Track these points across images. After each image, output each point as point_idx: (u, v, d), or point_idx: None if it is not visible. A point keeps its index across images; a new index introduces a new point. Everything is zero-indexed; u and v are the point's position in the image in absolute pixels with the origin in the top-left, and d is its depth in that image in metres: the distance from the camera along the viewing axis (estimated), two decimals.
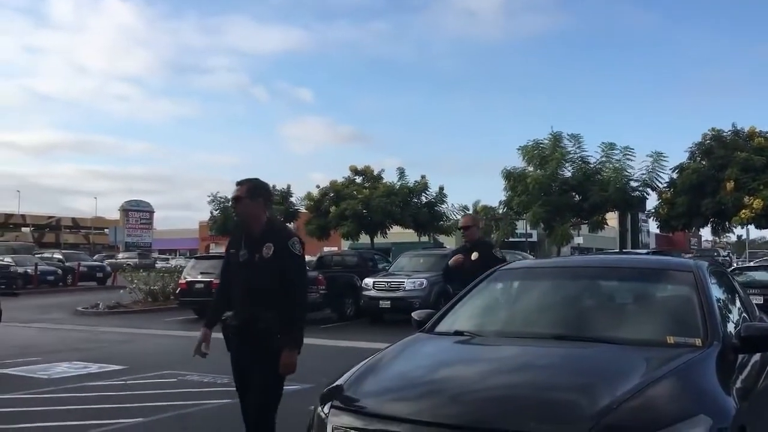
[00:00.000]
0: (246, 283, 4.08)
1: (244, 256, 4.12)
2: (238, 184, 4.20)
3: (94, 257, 41.32)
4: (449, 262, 7.10)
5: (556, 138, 22.54)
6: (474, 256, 6.77)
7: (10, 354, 10.71)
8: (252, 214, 4.13)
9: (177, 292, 18.55)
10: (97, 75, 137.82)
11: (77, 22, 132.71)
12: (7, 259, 30.17)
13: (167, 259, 49.42)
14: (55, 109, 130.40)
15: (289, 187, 33.55)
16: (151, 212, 73.90)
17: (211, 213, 33.95)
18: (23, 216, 71.19)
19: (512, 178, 23.02)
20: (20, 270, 28.57)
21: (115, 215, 71.83)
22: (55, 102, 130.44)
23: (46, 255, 36.29)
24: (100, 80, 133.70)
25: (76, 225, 75.61)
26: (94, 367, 9.49)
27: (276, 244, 4.05)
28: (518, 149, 23.08)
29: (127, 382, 8.35)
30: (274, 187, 33.71)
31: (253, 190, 4.16)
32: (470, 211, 29.41)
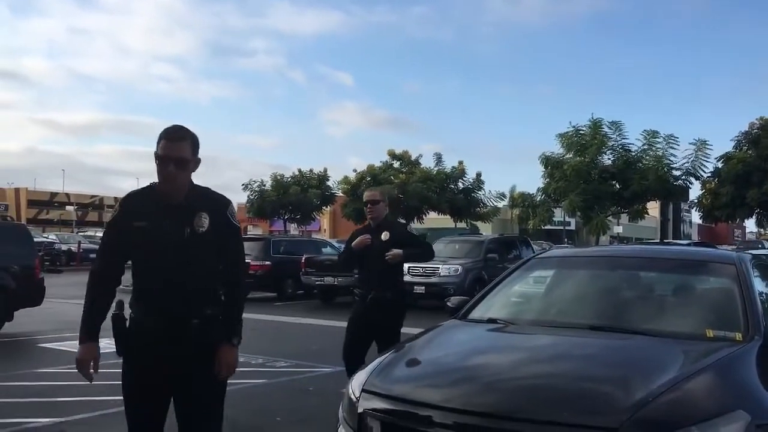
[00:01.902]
0: (172, 270, 2.96)
1: (169, 229, 2.96)
2: (175, 136, 2.99)
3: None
4: (352, 245, 5.75)
5: (597, 125, 22.16)
6: (384, 236, 5.54)
7: (52, 329, 11.02)
8: (187, 179, 3.04)
9: None
10: (140, 56, 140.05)
11: (121, 4, 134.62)
12: (52, 237, 30.96)
13: None
14: (98, 89, 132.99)
15: (326, 170, 33.72)
16: None
17: (249, 196, 34.28)
18: (67, 195, 72.91)
19: (550, 164, 22.74)
20: (64, 247, 29.33)
21: None
22: (99, 82, 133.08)
23: (89, 233, 37.15)
24: (143, 61, 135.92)
25: None
26: None
27: (212, 213, 3.03)
28: (557, 136, 22.78)
29: None
30: (311, 170, 34.00)
31: (196, 144, 3.07)
32: (506, 199, 29.18)
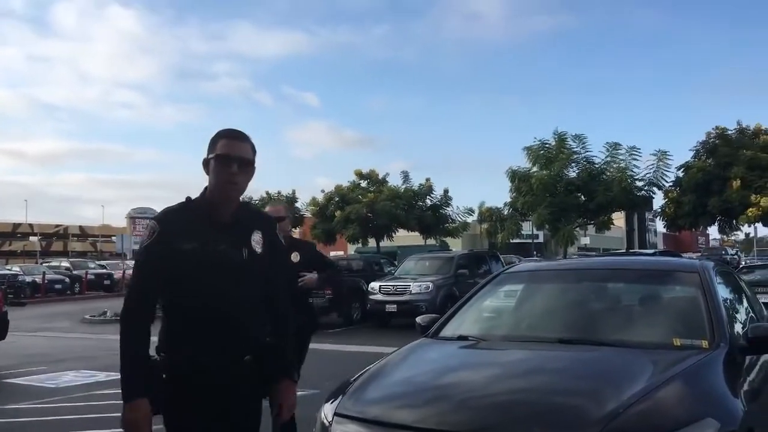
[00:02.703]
0: (228, 299, 2.52)
1: (224, 250, 2.54)
2: (238, 135, 2.63)
3: (99, 263, 41.36)
4: None
5: (561, 138, 22.48)
6: (294, 257, 4.99)
7: (16, 363, 10.73)
8: (245, 188, 2.66)
9: None
10: (102, 83, 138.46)
11: (81, 31, 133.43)
12: (15, 269, 30.27)
13: None
14: (60, 118, 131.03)
15: (294, 192, 33.59)
16: None
17: None
18: (31, 225, 71.43)
19: (517, 178, 22.97)
20: (28, 279, 28.68)
21: (123, 223, 72.01)
22: (61, 111, 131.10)
23: (53, 264, 36.40)
24: (105, 88, 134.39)
25: (83, 233, 75.78)
26: (101, 376, 9.49)
27: (264, 231, 2.69)
28: (524, 149, 23.05)
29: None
30: (279, 192, 33.84)
31: (255, 153, 2.69)
32: (475, 214, 29.31)
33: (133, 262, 2.72)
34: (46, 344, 13.86)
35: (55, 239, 70.87)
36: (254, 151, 2.66)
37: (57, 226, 73.09)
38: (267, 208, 5.29)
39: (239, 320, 2.56)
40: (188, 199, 2.63)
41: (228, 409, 2.55)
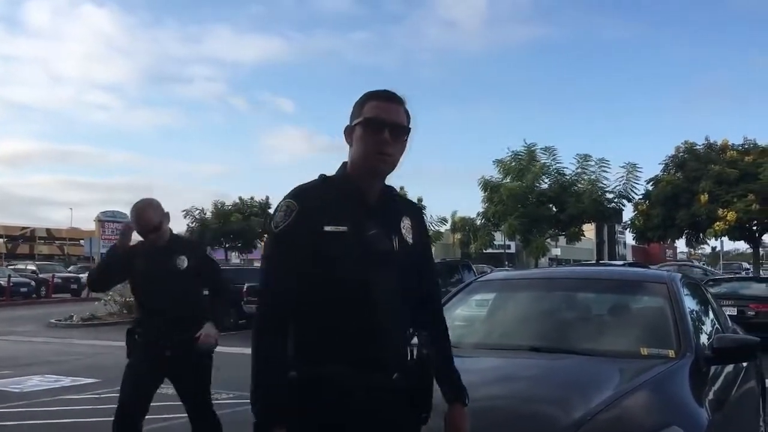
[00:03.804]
0: (382, 297, 2.06)
1: (376, 236, 2.09)
2: (392, 96, 2.14)
3: (69, 268, 40.76)
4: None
5: (531, 151, 22.72)
6: (181, 262, 4.20)
7: None
8: (398, 161, 2.16)
9: None
10: (75, 84, 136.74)
11: (54, 30, 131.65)
12: None
13: None
14: (31, 118, 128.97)
15: (267, 198, 33.49)
16: (129, 223, 73.00)
17: (188, 225, 33.71)
18: None
19: (489, 188, 23.15)
20: None
21: (92, 226, 71.04)
22: (32, 111, 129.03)
23: (19, 266, 35.75)
24: (78, 89, 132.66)
25: (50, 236, 74.54)
26: (66, 381, 9.35)
27: (414, 219, 2.27)
28: (494, 162, 23.25)
29: (101, 395, 8.23)
30: (252, 198, 33.71)
31: (409, 120, 2.18)
32: (448, 223, 29.47)
33: (263, 255, 2.14)
34: (11, 348, 13.59)
35: (22, 242, 69.63)
36: (409, 118, 2.17)
37: (24, 228, 71.82)
38: (138, 213, 4.15)
39: (391, 326, 2.06)
40: (323, 176, 2.16)
41: None
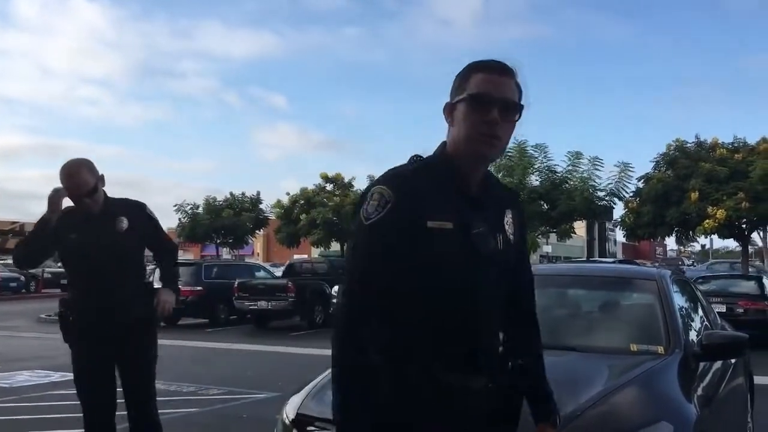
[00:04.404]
0: (486, 296, 1.87)
1: (480, 233, 1.84)
2: (502, 68, 1.84)
3: (58, 264, 40.51)
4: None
5: (522, 148, 22.77)
6: (120, 223, 3.68)
7: None
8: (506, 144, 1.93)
9: None
10: (65, 78, 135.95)
11: (43, 24, 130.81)
12: None
13: None
14: (20, 112, 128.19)
15: (258, 193, 33.40)
16: None
17: (180, 220, 33.59)
18: None
19: None
20: None
21: None
22: (21, 105, 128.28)
23: (8, 261, 35.56)
24: (68, 83, 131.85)
25: None
26: (56, 376, 9.31)
27: (514, 209, 2.05)
28: None
29: None
30: (243, 194, 33.60)
31: (521, 94, 1.93)
32: None
33: (350, 244, 1.89)
34: (0, 343, 13.53)
35: (11, 236, 69.23)
36: (521, 92, 1.86)
37: (13, 223, 71.34)
38: (67, 180, 3.60)
39: (490, 331, 1.90)
40: (416, 158, 1.88)
41: None
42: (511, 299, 1.97)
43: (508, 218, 1.95)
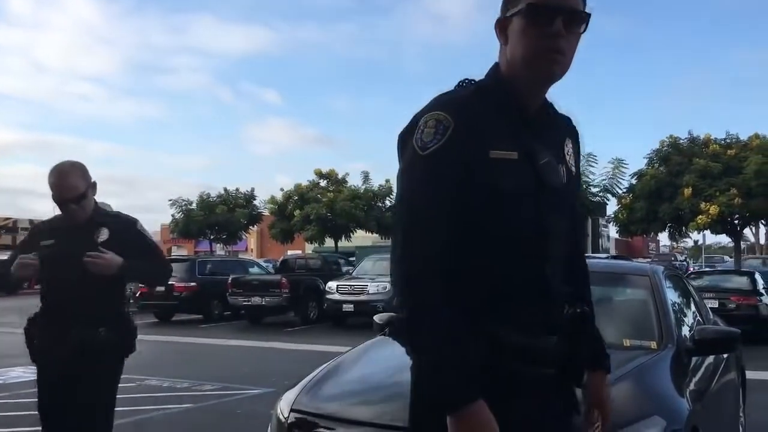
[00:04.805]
0: (561, 235, 1.69)
1: (545, 164, 1.60)
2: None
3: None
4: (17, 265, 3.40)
5: None
6: (100, 235, 3.30)
7: None
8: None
9: (137, 295, 18.31)
10: (57, 73, 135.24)
11: (35, 19, 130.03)
12: None
13: None
14: (12, 107, 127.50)
15: (252, 189, 33.35)
16: None
17: (173, 216, 33.52)
18: None
19: None
20: None
21: None
22: (13, 101, 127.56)
23: (1, 257, 35.44)
24: (60, 79, 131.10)
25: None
26: None
27: (575, 141, 1.84)
28: None
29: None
30: (237, 189, 33.55)
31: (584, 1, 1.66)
32: None
33: (404, 186, 1.57)
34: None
35: (4, 232, 69.00)
36: (584, 2, 1.61)
37: (6, 219, 71.11)
38: (57, 182, 3.28)
39: (558, 280, 1.65)
40: (467, 82, 1.63)
41: (553, 411, 1.65)
42: (571, 245, 1.74)
43: (569, 148, 1.72)
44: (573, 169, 1.71)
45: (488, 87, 1.61)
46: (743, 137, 21.94)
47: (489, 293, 1.54)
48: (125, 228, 3.40)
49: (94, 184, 3.38)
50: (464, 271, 1.54)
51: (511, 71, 1.60)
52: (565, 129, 1.75)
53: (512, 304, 1.55)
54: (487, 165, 1.50)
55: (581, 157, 1.81)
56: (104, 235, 3.30)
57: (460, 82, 1.63)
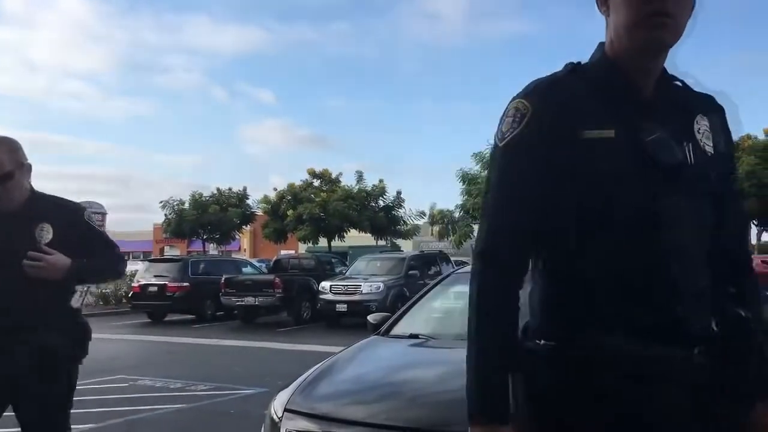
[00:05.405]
0: (687, 222, 1.43)
1: (659, 141, 1.40)
2: None
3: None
4: None
5: None
6: (43, 232, 2.83)
7: None
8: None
9: (130, 295, 18.26)
10: (49, 72, 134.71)
11: (26, 16, 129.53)
12: None
13: None
14: (4, 106, 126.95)
15: (245, 189, 33.31)
16: (104, 214, 72.21)
17: (166, 216, 33.44)
18: None
19: (468, 180, 23.25)
20: None
21: None
22: (5, 99, 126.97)
23: None
24: (53, 77, 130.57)
25: None
26: None
27: (713, 115, 1.61)
28: (473, 155, 23.34)
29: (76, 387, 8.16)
30: (230, 189, 33.50)
31: None
32: (426, 218, 29.48)
33: (490, 171, 1.51)
34: None
35: None
36: None
37: None
38: None
39: (687, 277, 1.38)
40: (572, 64, 1.52)
41: None
42: (719, 242, 1.47)
43: (702, 125, 1.49)
44: (709, 148, 1.47)
45: (587, 66, 1.51)
46: (735, 138, 22.07)
47: (586, 291, 1.37)
48: (71, 221, 2.89)
49: (29, 167, 2.89)
50: (555, 267, 1.43)
51: (616, 45, 1.46)
52: (699, 105, 1.53)
53: (616, 305, 1.35)
54: (577, 146, 1.37)
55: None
56: (47, 233, 2.82)
57: (567, 64, 1.52)
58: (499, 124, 1.47)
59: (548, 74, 1.50)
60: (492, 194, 1.46)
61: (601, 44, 1.52)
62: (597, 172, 1.36)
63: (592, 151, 1.36)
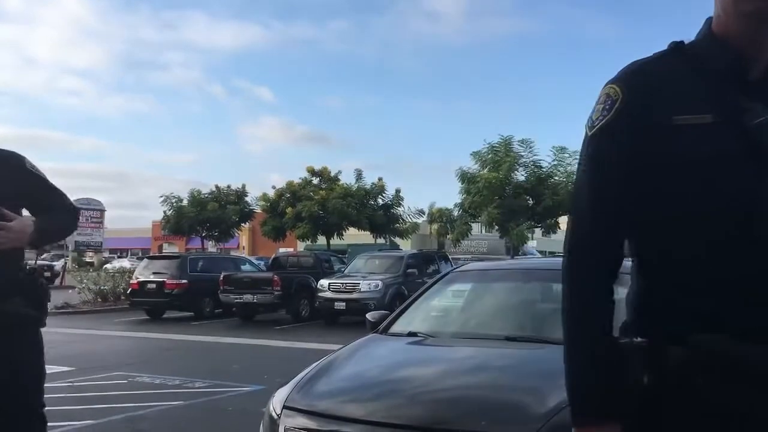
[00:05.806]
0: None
1: (764, 125, 1.27)
2: None
3: (42, 256, 40.23)
4: None
5: (507, 143, 22.88)
6: None
7: None
8: None
9: (128, 292, 18.28)
10: (47, 68, 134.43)
11: (24, 13, 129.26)
12: None
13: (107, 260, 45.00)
14: (2, 102, 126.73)
15: (244, 186, 33.31)
16: (102, 210, 72.12)
17: (165, 213, 33.43)
18: None
19: (466, 179, 23.27)
20: None
21: None
22: (2, 95, 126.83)
23: None
24: (51, 74, 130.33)
25: None
26: None
27: None
28: (471, 154, 23.37)
29: (75, 384, 8.18)
30: (229, 186, 33.48)
31: None
32: (425, 215, 29.47)
33: (580, 161, 1.45)
34: None
35: None
36: None
37: None
38: None
39: None
40: (675, 44, 1.41)
41: None
42: None
43: None
44: None
45: (688, 46, 1.39)
46: None
47: (682, 286, 1.29)
48: (12, 172, 2.59)
49: None
50: (652, 254, 1.35)
51: (723, 19, 1.34)
52: None
53: (715, 302, 1.26)
54: (670, 132, 1.29)
55: None
56: None
57: (670, 44, 1.41)
58: (591, 112, 1.40)
59: (649, 55, 1.41)
60: (581, 186, 1.40)
61: (709, 20, 1.39)
62: (692, 160, 1.28)
63: (686, 138, 1.28)
